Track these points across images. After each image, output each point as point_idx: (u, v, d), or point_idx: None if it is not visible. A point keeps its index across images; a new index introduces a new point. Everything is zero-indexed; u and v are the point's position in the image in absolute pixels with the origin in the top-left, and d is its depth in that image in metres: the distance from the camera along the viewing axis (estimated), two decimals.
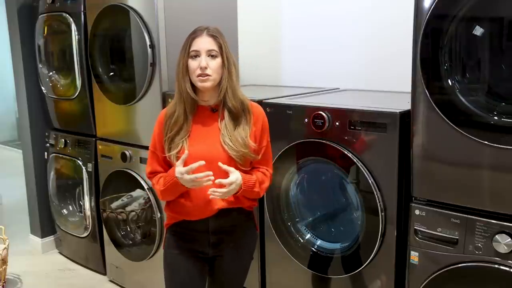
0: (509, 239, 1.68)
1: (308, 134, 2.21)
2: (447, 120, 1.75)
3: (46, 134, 3.65)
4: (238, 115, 1.84)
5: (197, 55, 1.79)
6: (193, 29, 1.85)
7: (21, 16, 3.49)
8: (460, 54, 1.75)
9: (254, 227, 2.02)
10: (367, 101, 2.49)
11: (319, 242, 2.34)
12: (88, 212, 3.34)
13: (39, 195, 3.71)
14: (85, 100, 3.24)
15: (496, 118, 1.66)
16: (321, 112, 2.14)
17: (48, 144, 3.64)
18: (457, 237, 1.80)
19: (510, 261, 1.69)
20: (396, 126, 1.93)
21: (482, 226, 1.74)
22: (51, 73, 3.46)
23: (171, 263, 1.94)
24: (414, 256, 1.93)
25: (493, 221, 1.72)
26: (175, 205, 1.90)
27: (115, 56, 2.99)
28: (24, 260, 3.65)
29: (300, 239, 2.37)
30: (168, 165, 1.88)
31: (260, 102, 2.29)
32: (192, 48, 1.80)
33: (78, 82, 3.23)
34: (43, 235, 3.80)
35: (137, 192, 2.93)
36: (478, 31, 1.68)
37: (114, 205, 3.09)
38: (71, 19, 3.18)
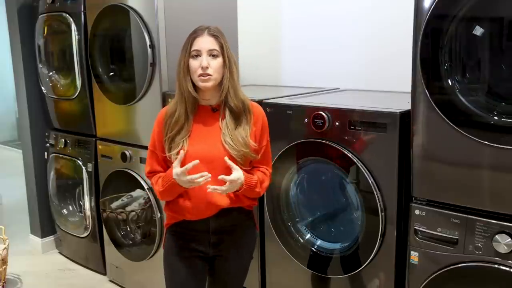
0: (509, 239, 1.68)
1: (308, 134, 2.21)
2: (447, 120, 1.75)
3: (46, 134, 3.65)
4: (239, 114, 1.84)
5: (198, 54, 1.79)
6: (193, 29, 1.85)
7: (21, 16, 3.49)
8: (460, 54, 1.75)
9: (254, 226, 2.03)
10: (367, 101, 2.49)
11: (319, 242, 2.34)
12: (88, 212, 3.34)
13: (39, 195, 3.71)
14: (85, 100, 3.24)
15: (496, 118, 1.66)
16: (321, 112, 2.14)
17: (48, 144, 3.64)
18: (457, 237, 1.80)
19: (510, 261, 1.69)
20: (396, 126, 1.93)
21: (482, 226, 1.74)
22: (51, 73, 3.46)
23: (171, 263, 1.94)
24: (414, 256, 1.93)
25: (493, 221, 1.72)
26: (175, 205, 1.90)
27: (115, 56, 2.99)
28: (24, 260, 3.65)
29: (300, 239, 2.37)
30: (167, 164, 1.88)
31: (260, 102, 2.29)
32: (193, 47, 1.80)
33: (78, 82, 3.23)
34: (43, 235, 3.80)
35: (137, 192, 2.93)
36: (478, 31, 1.68)
37: (114, 205, 3.09)
38: (71, 19, 3.18)
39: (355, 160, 2.05)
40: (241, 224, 1.96)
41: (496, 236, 1.70)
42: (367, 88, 2.82)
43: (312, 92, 2.75)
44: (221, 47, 1.81)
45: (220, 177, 1.74)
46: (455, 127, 1.74)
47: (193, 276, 1.93)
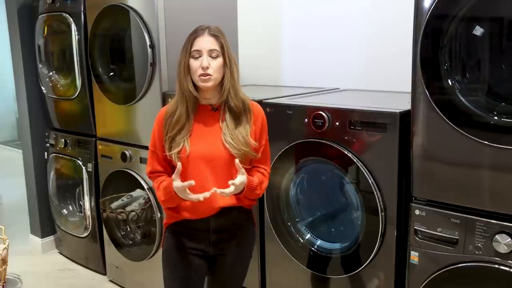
0: (509, 239, 1.68)
1: (308, 134, 2.21)
2: (447, 120, 1.75)
3: (46, 134, 3.65)
4: (240, 114, 1.85)
5: (198, 55, 1.79)
6: (193, 29, 1.85)
7: (21, 16, 3.49)
8: (460, 54, 1.75)
9: (253, 225, 2.03)
10: (367, 101, 2.49)
11: (319, 242, 2.34)
12: (88, 212, 3.34)
13: (39, 195, 3.71)
14: (85, 100, 3.24)
15: (496, 118, 1.66)
16: (321, 112, 2.14)
17: (48, 144, 3.64)
18: (457, 237, 1.80)
19: (510, 261, 1.69)
20: (396, 126, 1.93)
21: (482, 226, 1.74)
22: (51, 73, 3.46)
23: (171, 261, 1.94)
24: (414, 256, 1.93)
25: (493, 221, 1.72)
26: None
27: (115, 56, 2.99)
28: (24, 260, 3.65)
29: (300, 239, 2.37)
30: (168, 163, 1.88)
31: (260, 102, 2.29)
32: (194, 47, 1.80)
33: (78, 82, 3.23)
34: (43, 235, 3.80)
35: (137, 192, 2.93)
36: (478, 31, 1.68)
37: (114, 205, 3.09)
38: (71, 19, 3.18)
39: (355, 160, 2.05)
40: (241, 223, 1.96)
41: (496, 236, 1.70)
42: (367, 88, 2.82)
43: (312, 92, 2.75)
44: (222, 47, 1.81)
45: (230, 182, 1.75)
46: (455, 127, 1.74)
47: (193, 274, 1.93)
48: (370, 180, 2.02)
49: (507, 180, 1.68)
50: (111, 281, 3.32)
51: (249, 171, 1.89)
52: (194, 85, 1.83)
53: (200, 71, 1.78)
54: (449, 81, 1.74)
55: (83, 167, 3.32)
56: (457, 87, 1.73)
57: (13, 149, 6.86)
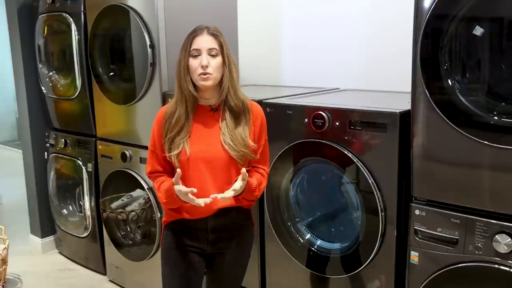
0: (509, 239, 1.68)
1: (308, 134, 2.21)
2: (447, 120, 1.75)
3: (46, 134, 3.65)
4: (239, 114, 1.85)
5: (198, 54, 1.80)
6: (193, 29, 1.85)
7: (21, 16, 3.49)
8: (460, 54, 1.75)
9: (251, 224, 2.03)
10: (367, 101, 2.49)
11: (319, 242, 2.34)
12: (88, 212, 3.34)
13: (39, 195, 3.70)
14: (85, 100, 3.24)
15: (496, 118, 1.66)
16: (321, 112, 2.14)
17: (48, 144, 3.63)
18: (457, 237, 1.80)
19: (510, 261, 1.69)
20: (396, 126, 1.93)
21: (482, 226, 1.74)
22: (51, 73, 3.46)
23: (169, 258, 1.95)
24: (414, 256, 1.93)
25: (493, 221, 1.72)
26: None
27: (115, 56, 2.99)
28: (24, 260, 3.65)
29: (300, 239, 2.37)
30: (168, 163, 1.88)
31: (260, 102, 2.29)
32: (193, 47, 1.80)
33: (78, 82, 3.23)
34: (43, 235, 3.80)
35: (137, 192, 2.93)
36: (478, 31, 1.68)
37: (114, 205, 3.09)
38: (71, 19, 3.18)
39: (355, 160, 2.05)
40: (239, 223, 1.96)
41: (496, 236, 1.70)
42: (367, 88, 2.82)
43: (312, 92, 2.75)
44: (221, 46, 1.81)
45: (233, 188, 1.76)
46: (455, 127, 1.74)
47: (191, 272, 1.94)
48: (370, 180, 2.02)
49: (507, 180, 1.68)
50: (111, 281, 3.32)
51: (248, 172, 1.89)
52: (194, 85, 1.83)
53: (200, 70, 1.78)
54: (449, 81, 1.74)
55: (83, 167, 3.32)
56: (457, 87, 1.73)
57: (13, 149, 6.86)
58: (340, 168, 2.14)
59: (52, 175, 3.61)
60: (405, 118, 1.93)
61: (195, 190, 1.75)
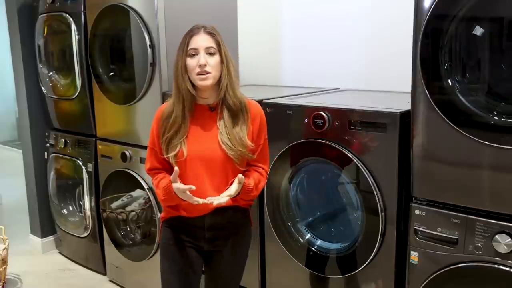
0: (509, 239, 1.68)
1: (308, 134, 2.21)
2: (447, 120, 1.75)
3: (46, 134, 3.65)
4: (237, 113, 1.85)
5: (195, 53, 1.80)
6: (190, 28, 1.85)
7: (21, 16, 3.49)
8: (460, 54, 1.75)
9: (249, 223, 2.04)
10: (367, 101, 2.49)
11: (319, 242, 2.34)
12: (88, 212, 3.34)
13: (39, 195, 3.70)
14: (85, 100, 3.24)
15: (496, 118, 1.66)
16: (321, 112, 2.14)
17: (48, 144, 3.64)
18: (457, 237, 1.80)
19: (510, 261, 1.69)
20: (396, 126, 1.93)
21: (482, 226, 1.74)
22: (51, 73, 3.46)
23: (168, 254, 1.96)
24: (414, 256, 1.93)
25: (493, 221, 1.72)
26: None
27: (115, 56, 2.99)
28: (24, 260, 3.65)
29: (300, 239, 2.37)
30: (167, 161, 1.89)
31: (260, 102, 2.29)
32: (190, 46, 1.80)
33: (78, 82, 3.23)
34: (43, 235, 3.80)
35: (137, 192, 2.93)
36: (478, 31, 1.68)
37: (114, 205, 3.09)
38: (71, 19, 3.17)
39: (355, 160, 2.05)
40: (237, 222, 1.97)
41: (496, 236, 1.70)
42: (367, 88, 2.82)
43: (312, 92, 2.75)
44: (218, 44, 1.81)
45: (226, 194, 1.77)
46: (455, 127, 1.74)
47: (189, 267, 1.94)
48: (370, 180, 2.02)
49: (507, 180, 1.68)
50: (111, 281, 3.32)
51: (246, 171, 1.89)
52: (192, 85, 1.83)
53: (198, 69, 1.78)
54: (449, 81, 1.74)
55: (83, 167, 3.32)
56: (457, 87, 1.73)
57: (13, 149, 6.85)
58: (340, 168, 2.14)
59: (52, 175, 3.61)
60: (405, 118, 1.93)
61: (193, 187, 1.75)
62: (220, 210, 1.88)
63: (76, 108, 3.34)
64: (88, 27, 3.04)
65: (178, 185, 1.77)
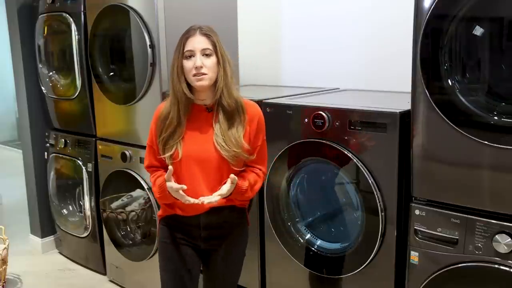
0: (509, 239, 1.68)
1: (308, 134, 2.21)
2: (447, 120, 1.75)
3: (46, 134, 3.65)
4: (233, 113, 1.84)
5: (191, 55, 1.79)
6: (186, 29, 1.85)
7: (21, 16, 3.49)
8: (460, 54, 1.75)
9: (246, 223, 2.04)
10: (367, 101, 2.49)
11: (319, 242, 2.34)
12: (88, 212, 3.34)
13: (39, 195, 3.70)
14: (85, 100, 3.24)
15: (496, 118, 1.66)
16: (321, 112, 2.14)
17: (48, 144, 3.63)
18: (457, 237, 1.80)
19: (510, 261, 1.69)
20: (396, 126, 1.93)
21: (482, 226, 1.74)
22: (51, 73, 3.46)
23: (166, 252, 1.97)
24: (414, 256, 1.93)
25: (493, 221, 1.72)
26: None
27: (115, 56, 2.99)
28: (24, 260, 3.65)
29: (300, 239, 2.37)
30: (164, 160, 1.89)
31: (260, 102, 2.29)
32: (186, 48, 1.80)
33: (78, 82, 3.22)
34: (43, 235, 3.80)
35: (137, 192, 2.93)
36: (478, 31, 1.68)
37: (114, 205, 3.09)
38: (71, 19, 3.17)
39: (355, 160, 2.05)
40: (233, 221, 1.97)
41: (496, 236, 1.70)
42: (367, 88, 2.82)
43: (312, 92, 2.75)
44: (214, 45, 1.81)
45: (217, 195, 1.77)
46: (455, 127, 1.74)
47: (186, 266, 1.95)
48: (370, 180, 2.02)
49: (507, 180, 1.68)
50: (111, 281, 3.32)
51: (243, 171, 1.89)
52: (189, 86, 1.83)
53: (194, 71, 1.78)
54: (449, 81, 1.74)
55: (83, 167, 3.32)
56: (457, 87, 1.73)
57: (13, 149, 6.85)
58: (340, 168, 2.14)
59: (52, 175, 3.61)
60: (405, 118, 1.93)
61: (185, 187, 1.77)
62: (216, 209, 1.88)
63: (76, 108, 3.34)
64: (88, 27, 3.04)
65: (171, 184, 1.78)
